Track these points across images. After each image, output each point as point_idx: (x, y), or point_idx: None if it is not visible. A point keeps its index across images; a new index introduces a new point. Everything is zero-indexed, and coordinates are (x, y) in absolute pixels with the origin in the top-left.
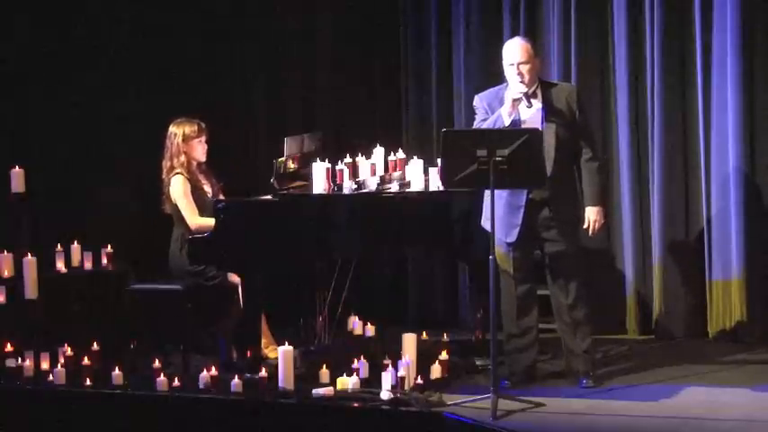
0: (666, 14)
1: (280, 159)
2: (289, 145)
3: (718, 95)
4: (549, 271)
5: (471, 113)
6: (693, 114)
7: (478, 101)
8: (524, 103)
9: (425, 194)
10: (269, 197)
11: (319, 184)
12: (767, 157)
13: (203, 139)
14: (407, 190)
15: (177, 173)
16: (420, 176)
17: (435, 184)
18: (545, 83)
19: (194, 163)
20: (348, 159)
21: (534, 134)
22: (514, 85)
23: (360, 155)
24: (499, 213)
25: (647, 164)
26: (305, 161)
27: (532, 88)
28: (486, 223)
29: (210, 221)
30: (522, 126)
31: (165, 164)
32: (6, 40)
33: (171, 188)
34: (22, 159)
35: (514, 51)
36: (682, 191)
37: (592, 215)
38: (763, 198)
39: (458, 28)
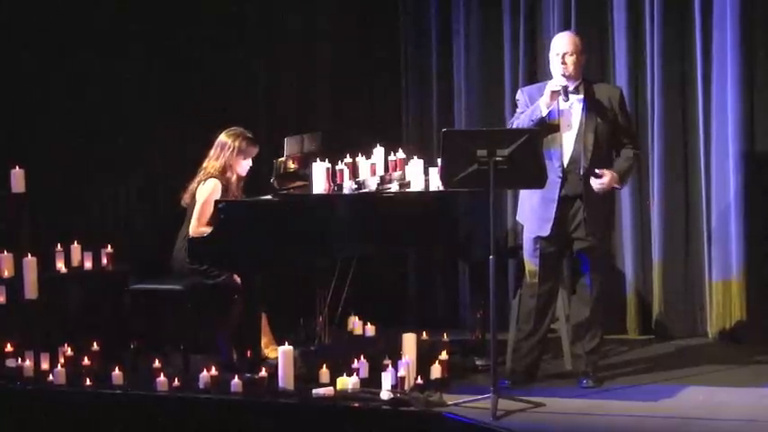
0: (666, 14)
1: (280, 159)
2: (289, 145)
3: (719, 95)
4: (571, 270)
5: (471, 115)
6: (693, 114)
7: (520, 94)
8: (561, 97)
9: (425, 194)
10: (269, 197)
11: (319, 184)
12: (767, 158)
13: (253, 155)
14: (407, 190)
15: (216, 178)
16: (420, 176)
17: (435, 184)
18: (589, 81)
19: (236, 176)
20: (348, 159)
21: (534, 134)
22: (556, 77)
23: (360, 155)
24: (534, 206)
25: (647, 164)
26: (305, 161)
27: (575, 84)
28: (521, 218)
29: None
30: (561, 118)
31: (208, 167)
32: (6, 41)
33: (202, 187)
34: (22, 159)
35: (562, 42)
36: (682, 191)
37: (608, 175)
38: (763, 198)
39: (458, 27)
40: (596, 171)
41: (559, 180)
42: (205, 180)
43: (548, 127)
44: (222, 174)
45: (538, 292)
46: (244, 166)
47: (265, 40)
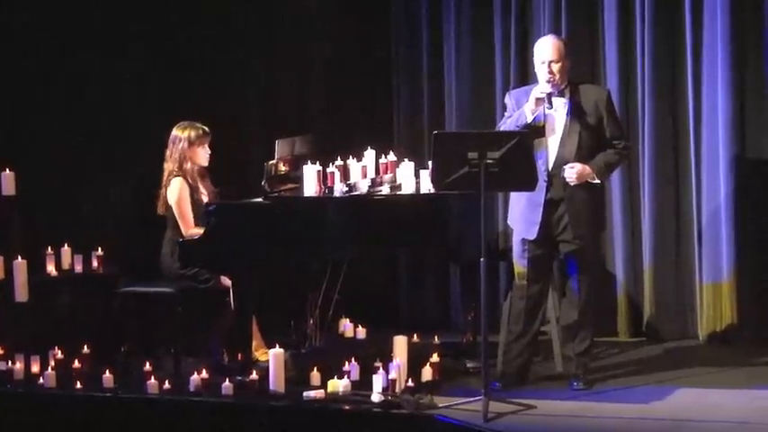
0: (657, 17)
1: (270, 162)
2: (280, 147)
3: (709, 97)
4: (561, 272)
5: (462, 116)
6: (684, 117)
7: (508, 98)
8: (545, 104)
9: (416, 197)
10: (260, 200)
11: (310, 187)
12: (758, 161)
13: (207, 144)
14: (398, 192)
15: (177, 176)
16: (411, 179)
17: (426, 186)
18: (575, 84)
19: (196, 168)
20: (339, 162)
21: (525, 136)
22: (541, 84)
23: (351, 157)
24: (522, 209)
25: (637, 167)
26: (296, 164)
27: (561, 88)
28: (511, 221)
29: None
30: (546, 124)
31: (167, 166)
32: (5, 41)
33: (169, 191)
34: (13, 162)
35: (547, 49)
36: (672, 193)
37: (578, 166)
38: (754, 201)
39: (449, 28)
40: (569, 163)
41: (545, 184)
42: (168, 182)
43: (534, 130)
44: (180, 168)
45: (527, 294)
46: (201, 155)
47: (265, 40)
